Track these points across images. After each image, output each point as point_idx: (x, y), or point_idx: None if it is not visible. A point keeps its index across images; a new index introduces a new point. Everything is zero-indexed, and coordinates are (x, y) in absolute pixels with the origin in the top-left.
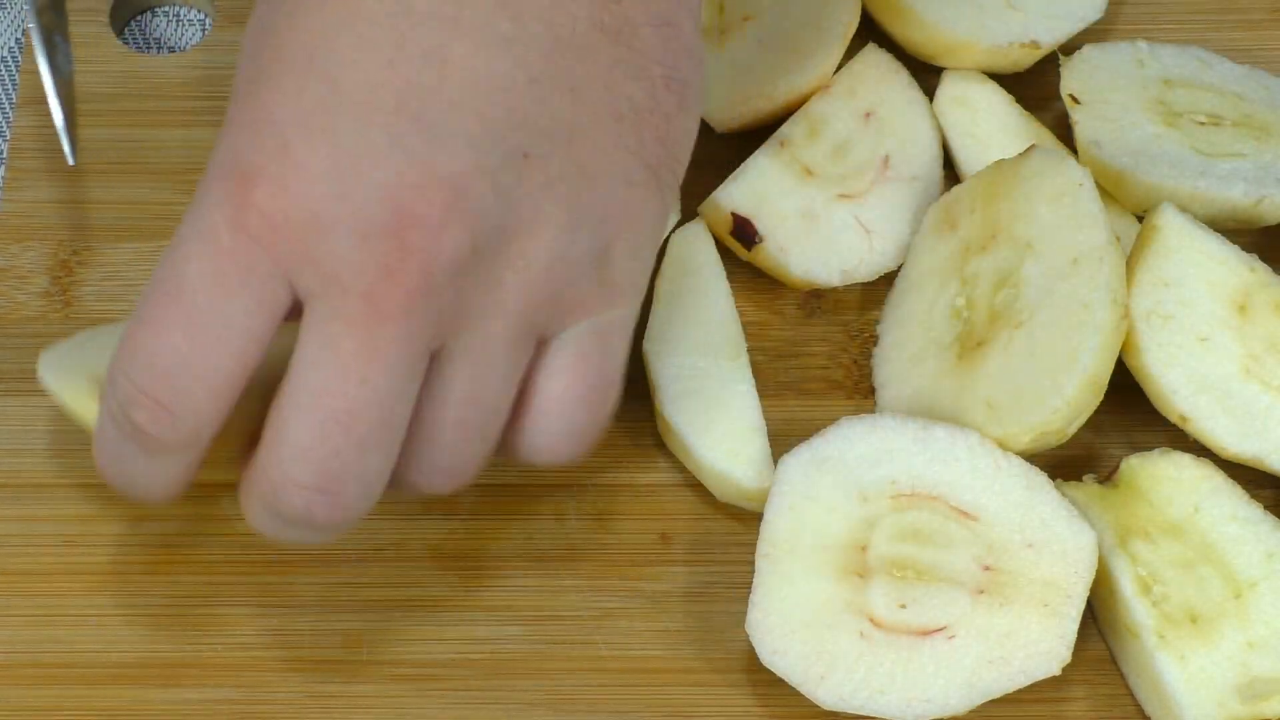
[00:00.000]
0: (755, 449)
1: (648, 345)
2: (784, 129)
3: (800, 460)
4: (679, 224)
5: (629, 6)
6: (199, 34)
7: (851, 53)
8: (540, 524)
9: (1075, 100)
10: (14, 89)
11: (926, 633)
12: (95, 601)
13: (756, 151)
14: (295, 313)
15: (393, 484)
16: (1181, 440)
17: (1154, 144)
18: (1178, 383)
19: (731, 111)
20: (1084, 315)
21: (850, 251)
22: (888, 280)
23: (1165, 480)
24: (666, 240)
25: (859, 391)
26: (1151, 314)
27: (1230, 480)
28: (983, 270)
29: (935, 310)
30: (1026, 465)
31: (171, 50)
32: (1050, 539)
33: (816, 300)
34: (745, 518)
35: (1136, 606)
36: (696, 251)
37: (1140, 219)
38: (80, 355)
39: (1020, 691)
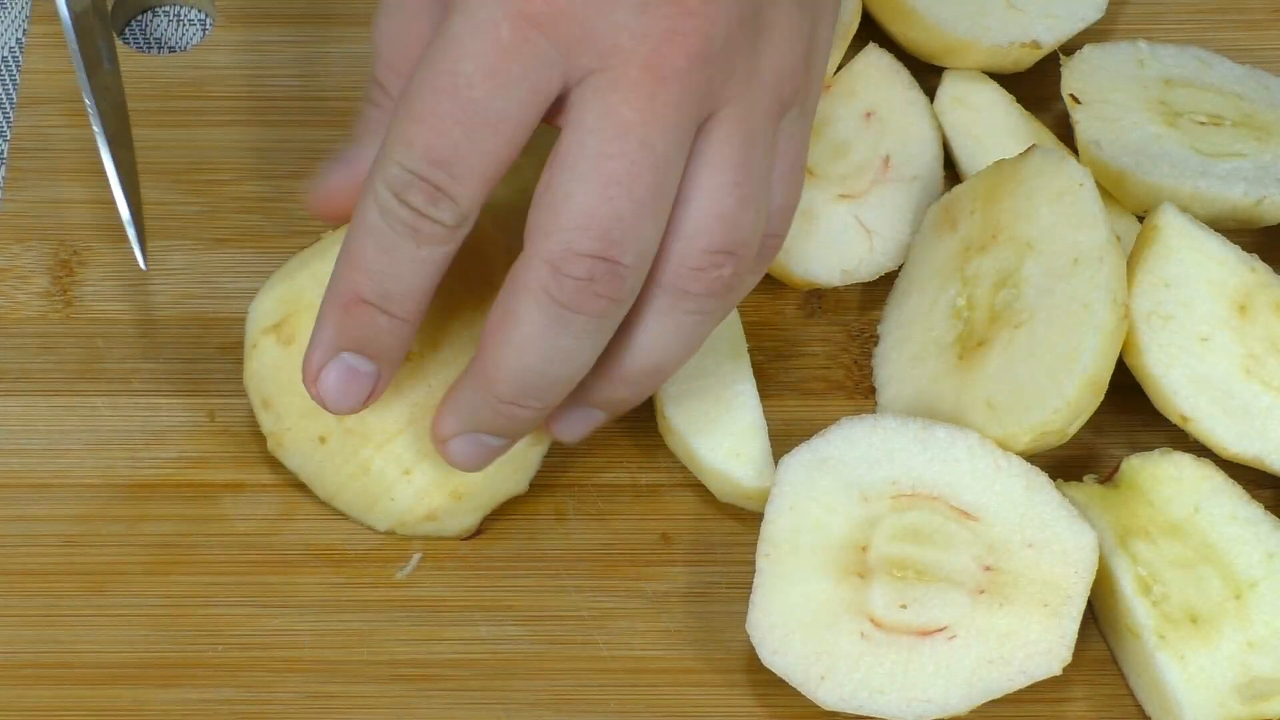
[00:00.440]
0: (756, 449)
1: None
2: None
3: (801, 460)
4: None
5: None
6: (199, 34)
7: (852, 53)
8: (540, 524)
9: (1076, 100)
10: (14, 89)
11: (927, 633)
12: (95, 601)
13: None
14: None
15: (662, 278)
16: (1182, 440)
17: (1154, 144)
18: (1178, 383)
19: None
20: (1084, 315)
21: (851, 251)
22: (888, 280)
23: (1165, 480)
24: None
25: (859, 391)
26: (1152, 314)
27: (1230, 480)
28: (983, 270)
29: (936, 310)
30: (1027, 465)
31: (172, 50)
32: (1050, 539)
33: (817, 300)
34: (745, 518)
35: (1137, 606)
36: None
37: (1141, 219)
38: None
39: (1020, 691)
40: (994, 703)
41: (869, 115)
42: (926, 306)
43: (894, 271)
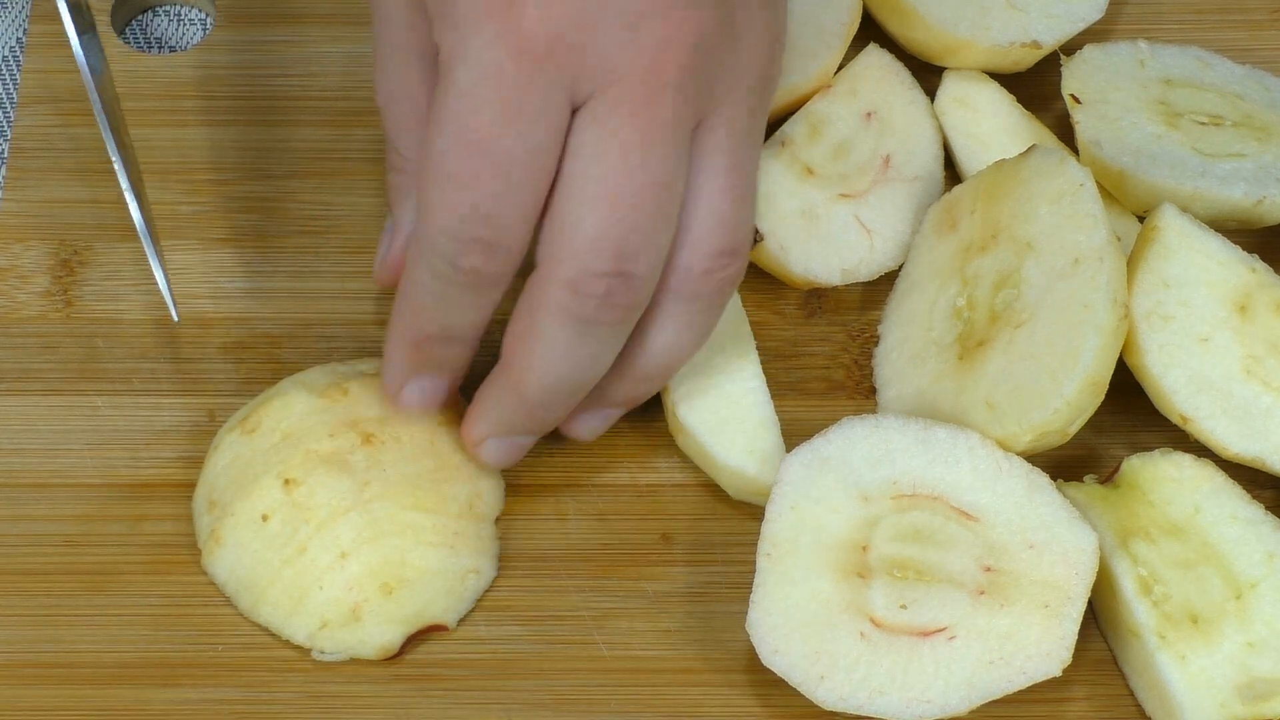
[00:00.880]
0: (769, 444)
1: None
2: (785, 128)
3: (802, 460)
4: None
5: None
6: (199, 34)
7: (853, 53)
8: (540, 524)
9: (1076, 100)
10: (14, 89)
11: (927, 633)
12: (95, 601)
13: None
14: None
15: (671, 286)
16: (1182, 440)
17: (1155, 144)
18: (1178, 383)
19: None
20: (1084, 315)
21: (851, 251)
22: (888, 280)
23: (1166, 480)
24: None
25: (860, 391)
26: (1152, 314)
27: (1231, 480)
28: (983, 270)
29: (936, 310)
30: (1027, 466)
31: (172, 50)
32: (1051, 540)
33: (817, 300)
34: (745, 518)
35: (1137, 607)
36: None
37: (1141, 219)
38: None
39: (1021, 692)
40: (994, 703)
41: (869, 115)
42: (927, 306)
43: (894, 271)
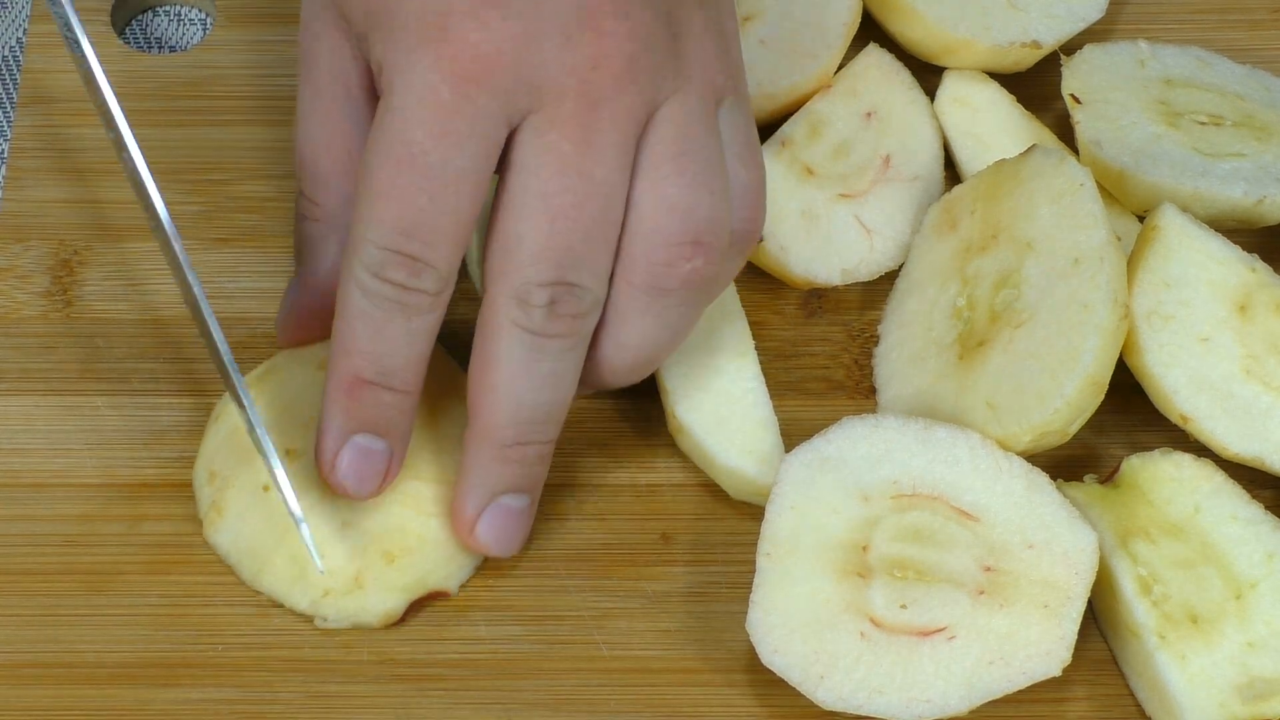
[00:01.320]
0: (768, 445)
1: None
2: (785, 128)
3: (802, 460)
4: None
5: None
6: (200, 34)
7: (852, 52)
8: (540, 524)
9: (1076, 100)
10: (14, 89)
11: (927, 633)
12: (95, 601)
13: None
14: None
15: (624, 276)
16: (1182, 440)
17: (1155, 144)
18: (1178, 383)
19: None
20: (1084, 315)
21: (851, 251)
22: (888, 280)
23: (1166, 480)
24: None
25: (860, 391)
26: (1152, 314)
27: (1231, 480)
28: (983, 270)
29: (936, 310)
30: (1027, 465)
31: (172, 50)
32: (1051, 540)
33: (817, 300)
34: (745, 518)
35: (1137, 607)
36: None
37: (1141, 219)
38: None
39: (1020, 692)
40: (994, 703)
41: (869, 115)
42: (927, 306)
43: (894, 271)
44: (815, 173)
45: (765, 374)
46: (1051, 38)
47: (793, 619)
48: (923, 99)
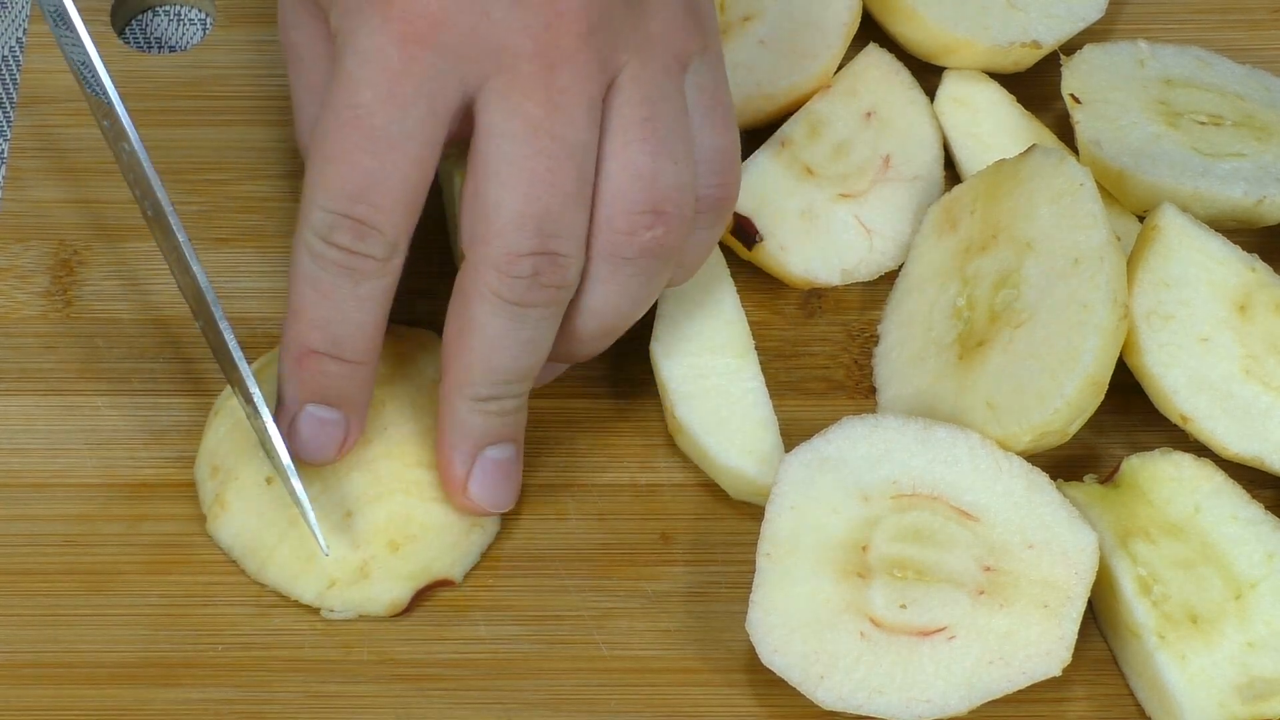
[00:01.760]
0: (768, 445)
1: (655, 346)
2: (785, 128)
3: (802, 460)
4: None
5: None
6: (199, 34)
7: (852, 52)
8: (540, 524)
9: (1076, 100)
10: (14, 89)
11: (926, 633)
12: (95, 601)
13: (757, 151)
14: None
15: (596, 247)
16: (1182, 440)
17: (1155, 144)
18: (1178, 383)
19: None
20: (1084, 315)
21: (851, 251)
22: (888, 280)
23: (1166, 480)
24: None
25: (860, 391)
26: (1152, 314)
27: (1231, 480)
28: (983, 270)
29: (936, 310)
30: (1027, 465)
31: (172, 50)
32: (1051, 540)
33: (817, 300)
34: (745, 518)
35: (1137, 607)
36: None
37: (1141, 219)
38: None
39: (1020, 692)
40: (994, 703)
41: (869, 115)
42: (927, 306)
43: (894, 271)
44: (815, 173)
45: (765, 374)
46: (1051, 38)
47: (793, 619)
48: (922, 99)
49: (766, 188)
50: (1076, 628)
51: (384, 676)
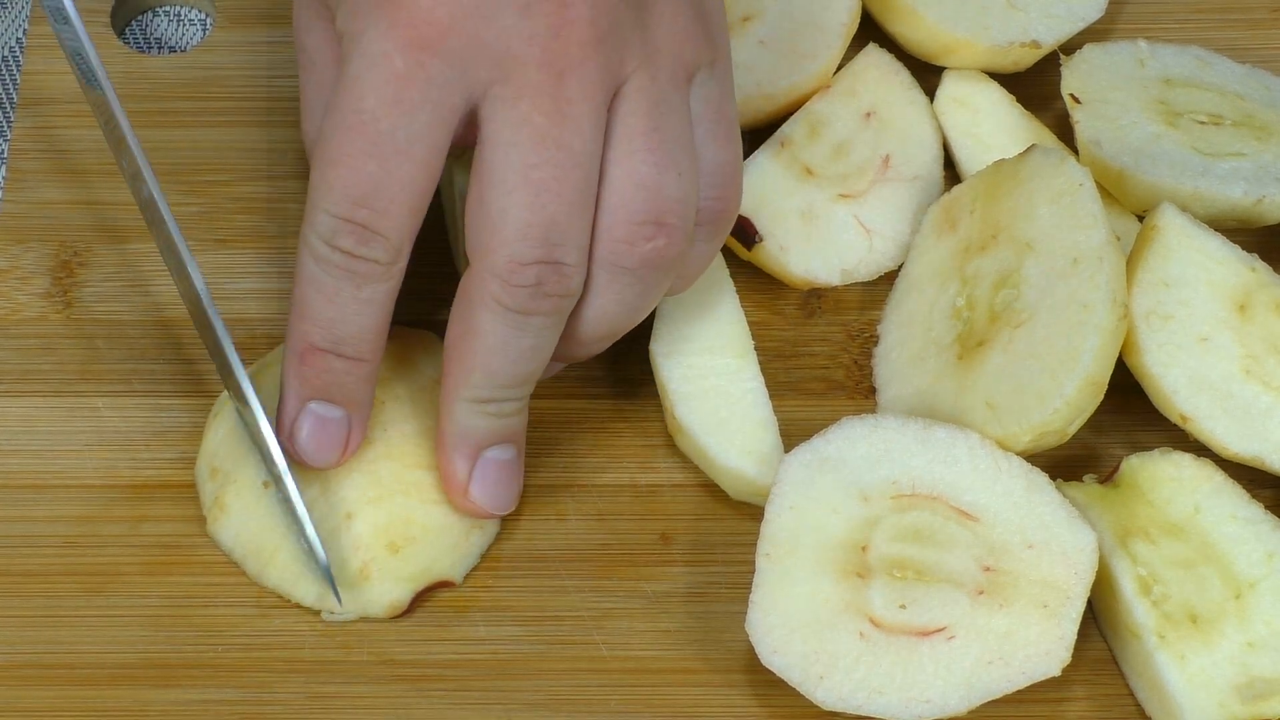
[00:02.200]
0: (768, 445)
1: (655, 346)
2: (784, 128)
3: (801, 460)
4: None
5: None
6: (200, 34)
7: (852, 52)
8: (540, 524)
9: (1076, 100)
10: (14, 89)
11: (926, 633)
12: (95, 601)
13: (757, 151)
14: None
15: (596, 255)
16: (1182, 440)
17: (1154, 144)
18: (1178, 383)
19: None
20: (1084, 315)
21: (850, 251)
22: (888, 280)
23: (1165, 480)
24: None
25: (859, 391)
26: (1152, 314)
27: (1230, 480)
28: (983, 270)
29: (935, 310)
30: (1027, 465)
31: (172, 50)
32: (1050, 540)
33: (817, 300)
34: (745, 518)
35: (1137, 607)
36: None
37: (1141, 219)
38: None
39: (1020, 692)
40: (994, 703)
41: (869, 115)
42: (926, 306)
43: (894, 271)
44: (815, 173)
45: (765, 374)
46: (1051, 37)
47: (792, 619)
48: (922, 99)
49: (766, 188)
50: (1076, 628)
51: (384, 677)
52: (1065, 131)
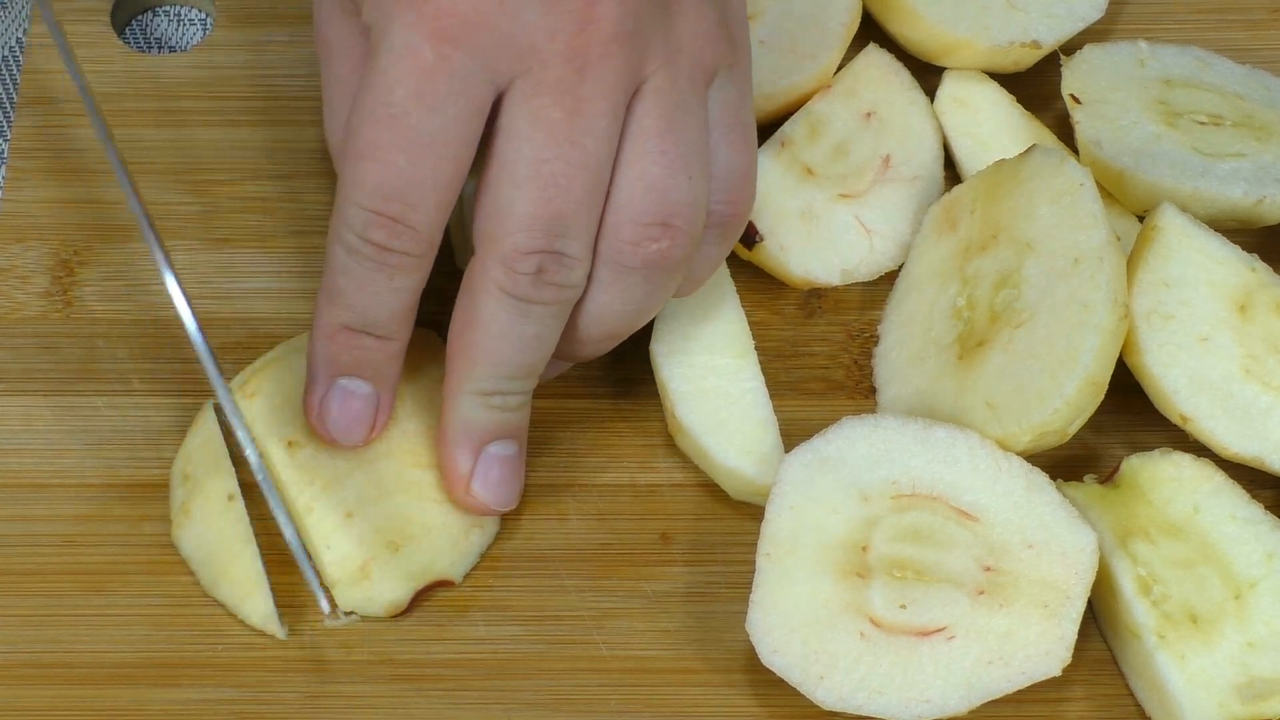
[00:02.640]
0: (768, 445)
1: (655, 346)
2: (785, 128)
3: (801, 460)
4: None
5: None
6: (200, 34)
7: (852, 53)
8: (540, 524)
9: (1076, 100)
10: (14, 89)
11: (926, 633)
12: (95, 601)
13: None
14: None
15: (601, 253)
16: (1182, 440)
17: (1154, 144)
18: (1178, 383)
19: None
20: (1084, 315)
21: (851, 251)
22: (888, 280)
23: (1165, 480)
24: None
25: (859, 391)
26: (1152, 314)
27: (1230, 480)
28: (983, 270)
29: (936, 310)
30: (1027, 465)
31: (172, 50)
32: (1050, 540)
33: (817, 300)
34: (745, 518)
35: (1137, 607)
36: None
37: (1141, 219)
38: None
39: (1020, 692)
40: (993, 703)
41: (869, 115)
42: (926, 306)
43: (894, 271)
44: (815, 173)
45: (765, 374)
46: (1051, 38)
47: (792, 619)
48: (922, 99)
49: (766, 188)
50: (1076, 628)
51: (383, 677)
52: (1065, 131)
